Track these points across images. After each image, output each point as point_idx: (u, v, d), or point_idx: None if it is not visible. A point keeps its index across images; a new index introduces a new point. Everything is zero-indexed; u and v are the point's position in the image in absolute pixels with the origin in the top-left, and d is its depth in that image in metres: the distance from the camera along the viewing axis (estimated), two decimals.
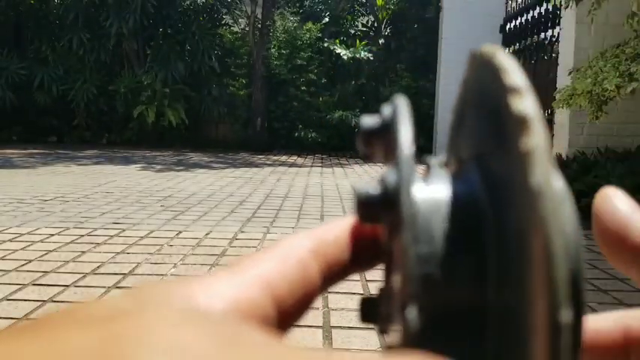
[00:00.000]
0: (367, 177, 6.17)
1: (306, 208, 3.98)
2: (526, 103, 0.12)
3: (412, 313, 0.12)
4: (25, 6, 10.01)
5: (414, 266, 0.12)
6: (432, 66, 9.10)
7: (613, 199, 0.16)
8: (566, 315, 0.11)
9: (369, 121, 0.16)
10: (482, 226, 0.13)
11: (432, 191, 0.14)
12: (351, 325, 1.75)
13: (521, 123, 0.12)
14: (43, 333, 0.10)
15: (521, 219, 0.12)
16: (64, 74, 9.78)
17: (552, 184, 0.11)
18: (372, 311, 0.17)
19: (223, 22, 10.35)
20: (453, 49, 8.59)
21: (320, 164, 7.60)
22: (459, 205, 0.14)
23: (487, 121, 0.14)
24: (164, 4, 9.55)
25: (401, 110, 0.15)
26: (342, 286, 2.08)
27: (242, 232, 3.12)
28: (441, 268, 0.13)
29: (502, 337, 0.12)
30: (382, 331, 0.17)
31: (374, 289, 2.08)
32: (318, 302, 1.92)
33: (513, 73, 0.13)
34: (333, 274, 0.16)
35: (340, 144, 9.62)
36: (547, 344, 0.11)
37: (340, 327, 1.73)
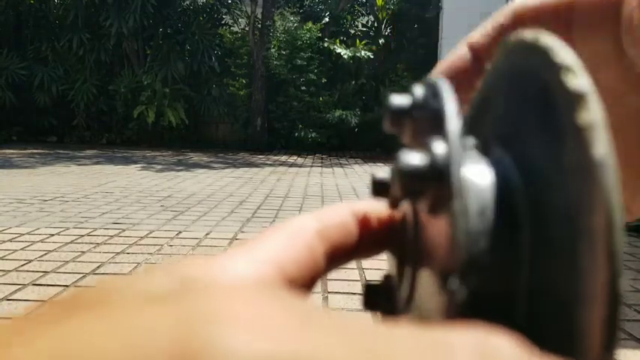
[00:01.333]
0: (367, 177, 6.17)
1: (306, 208, 3.98)
2: (581, 80, 0.12)
3: (456, 283, 0.12)
4: (25, 6, 10.01)
5: (463, 237, 0.12)
6: (432, 66, 9.02)
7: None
8: (622, 284, 0.11)
9: (399, 99, 0.16)
10: (517, 206, 0.14)
11: (472, 168, 0.14)
12: None
13: (577, 99, 0.12)
14: (110, 312, 0.09)
15: (577, 192, 0.12)
16: (64, 74, 9.78)
17: (613, 159, 0.11)
18: (376, 299, 0.17)
19: (223, 22, 10.35)
20: (453, 50, 8.59)
21: (320, 164, 7.60)
22: (495, 185, 0.14)
23: (526, 102, 0.14)
24: (164, 4, 9.55)
25: (443, 87, 0.15)
26: (342, 286, 2.08)
27: (242, 232, 3.12)
28: (485, 242, 0.13)
29: (540, 311, 0.13)
30: (385, 319, 0.17)
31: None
32: (318, 302, 1.92)
33: (562, 51, 0.13)
34: (337, 258, 0.16)
35: (340, 144, 9.61)
36: (605, 312, 0.11)
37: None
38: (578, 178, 0.12)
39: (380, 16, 10.30)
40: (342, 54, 9.40)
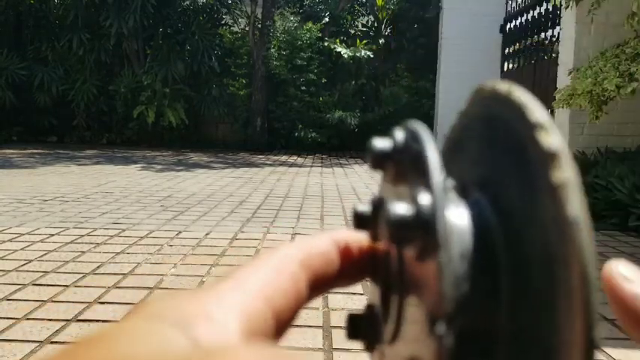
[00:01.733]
0: (367, 177, 6.17)
1: (306, 208, 3.98)
2: (554, 139, 0.13)
3: (444, 329, 0.13)
4: (25, 6, 10.01)
5: (449, 285, 0.13)
6: (432, 66, 9.10)
7: (621, 270, 0.17)
8: (598, 333, 0.12)
9: (380, 143, 0.17)
10: (496, 250, 0.14)
11: (453, 211, 0.15)
12: None
13: (551, 157, 0.13)
14: None
15: (553, 246, 0.13)
16: (64, 74, 9.77)
17: (586, 216, 0.12)
18: (360, 328, 0.18)
19: (223, 22, 10.34)
20: (453, 49, 8.59)
21: (320, 164, 7.60)
22: (475, 229, 0.14)
23: (502, 152, 0.15)
24: (164, 4, 9.55)
25: (423, 135, 0.15)
26: None
27: (242, 232, 3.12)
28: (467, 285, 0.13)
29: (522, 354, 0.13)
30: (368, 349, 0.18)
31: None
32: (318, 302, 1.92)
33: (537, 109, 0.14)
34: (319, 286, 0.17)
35: (340, 144, 9.61)
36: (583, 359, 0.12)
37: (340, 327, 1.73)
38: (554, 233, 0.12)
39: (380, 16, 10.29)
40: (342, 53, 9.40)
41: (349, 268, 0.17)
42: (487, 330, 0.14)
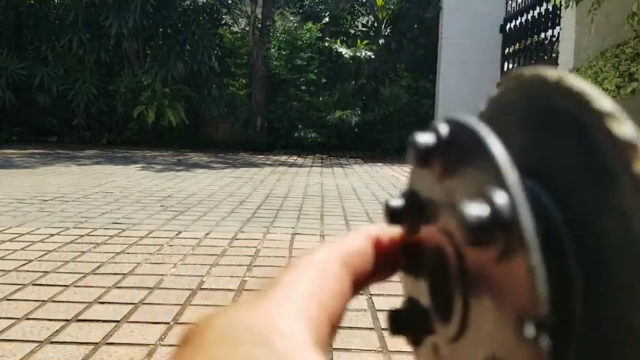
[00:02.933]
0: (367, 177, 6.17)
1: (306, 208, 3.98)
2: (628, 128, 0.13)
3: (535, 331, 0.12)
4: (25, 6, 10.00)
5: (542, 287, 0.12)
6: (432, 66, 9.09)
7: None
8: None
9: (423, 138, 0.16)
10: (563, 242, 0.14)
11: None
12: (351, 325, 1.75)
13: (629, 147, 0.12)
14: None
15: (638, 235, 0.12)
16: (64, 74, 9.77)
17: None
18: (403, 323, 0.17)
19: (223, 22, 10.34)
20: (453, 49, 8.59)
21: (320, 164, 7.60)
22: (539, 221, 0.14)
23: (561, 141, 0.14)
24: (164, 4, 9.54)
25: (479, 127, 0.15)
26: None
27: (242, 232, 3.12)
28: (550, 283, 0.13)
29: (606, 341, 0.13)
30: (414, 343, 0.17)
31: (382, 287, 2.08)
32: None
33: (601, 97, 0.13)
34: (359, 284, 0.17)
35: (340, 144, 9.61)
36: None
37: (340, 327, 1.73)
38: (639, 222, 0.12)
39: (380, 16, 10.29)
40: (343, 53, 9.39)
41: (384, 263, 0.18)
42: (566, 322, 0.13)
